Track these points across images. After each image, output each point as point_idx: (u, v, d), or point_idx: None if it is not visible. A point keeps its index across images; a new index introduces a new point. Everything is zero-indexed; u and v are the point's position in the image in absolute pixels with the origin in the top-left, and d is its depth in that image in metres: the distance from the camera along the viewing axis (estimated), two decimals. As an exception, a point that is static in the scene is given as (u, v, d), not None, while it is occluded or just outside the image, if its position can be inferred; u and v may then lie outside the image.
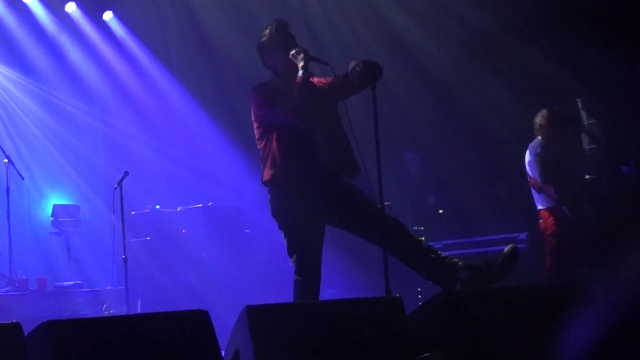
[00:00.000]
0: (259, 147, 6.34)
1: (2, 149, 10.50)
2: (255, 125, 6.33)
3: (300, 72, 6.08)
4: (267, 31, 6.41)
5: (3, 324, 3.60)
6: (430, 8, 11.90)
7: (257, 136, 6.33)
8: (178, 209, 12.32)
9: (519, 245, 10.15)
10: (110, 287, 11.29)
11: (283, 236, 6.18)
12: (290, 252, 6.08)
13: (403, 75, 12.14)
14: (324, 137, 6.22)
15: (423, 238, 10.57)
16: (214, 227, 11.88)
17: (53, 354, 3.56)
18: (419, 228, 11.67)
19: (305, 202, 6.08)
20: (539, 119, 9.01)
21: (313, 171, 6.16)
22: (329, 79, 6.34)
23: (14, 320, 3.63)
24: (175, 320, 4.25)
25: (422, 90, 12.23)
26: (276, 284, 10.90)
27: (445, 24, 11.86)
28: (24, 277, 11.02)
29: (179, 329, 4.19)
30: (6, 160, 10.73)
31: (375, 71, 5.94)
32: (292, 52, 6.20)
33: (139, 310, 10.67)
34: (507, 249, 5.70)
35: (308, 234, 6.07)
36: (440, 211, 12.03)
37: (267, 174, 6.19)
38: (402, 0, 12.18)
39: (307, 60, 6.15)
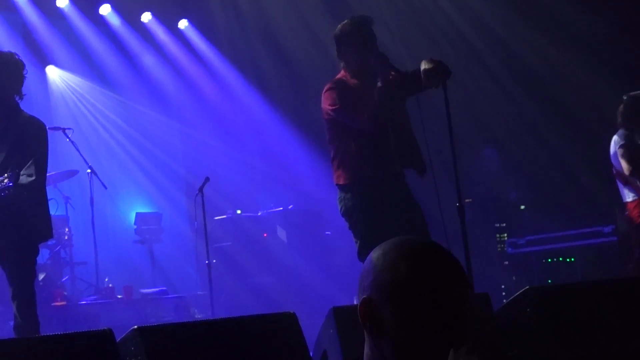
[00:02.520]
0: (330, 146, 6.32)
1: (85, 159, 10.67)
2: (327, 125, 6.28)
3: (381, 83, 6.02)
4: (349, 24, 6.31)
5: (95, 331, 3.65)
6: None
7: (329, 137, 6.29)
8: (259, 214, 12.41)
9: (606, 239, 10.01)
10: (201, 292, 11.39)
11: (354, 236, 6.17)
12: (364, 253, 6.05)
13: (482, 67, 12.01)
14: (395, 136, 6.18)
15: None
16: (295, 230, 11.93)
17: (145, 359, 3.60)
18: (501, 225, 11.53)
19: (380, 204, 6.05)
20: (621, 108, 8.80)
21: (388, 173, 6.14)
22: (399, 75, 6.26)
23: (104, 328, 3.68)
24: (263, 323, 4.26)
25: (505, 83, 12.04)
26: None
27: (530, 11, 11.64)
28: (110, 285, 11.20)
29: (267, 332, 4.20)
30: (89, 171, 10.90)
31: (444, 71, 5.88)
32: (372, 59, 6.13)
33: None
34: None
35: (382, 235, 6.01)
36: (522, 207, 11.86)
37: (342, 177, 6.17)
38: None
39: (387, 69, 6.10)
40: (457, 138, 5.86)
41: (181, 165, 14.47)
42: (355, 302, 2.69)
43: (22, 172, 5.82)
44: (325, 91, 6.23)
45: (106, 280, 11.42)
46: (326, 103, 6.20)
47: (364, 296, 2.23)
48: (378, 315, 2.19)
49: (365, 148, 6.11)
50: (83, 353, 3.57)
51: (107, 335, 3.63)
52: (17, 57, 6.43)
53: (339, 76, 6.35)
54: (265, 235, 12.10)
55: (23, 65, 6.43)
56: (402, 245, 2.23)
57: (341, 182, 6.18)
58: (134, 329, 3.71)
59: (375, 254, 2.26)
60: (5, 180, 5.69)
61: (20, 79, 6.39)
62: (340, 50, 6.34)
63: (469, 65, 11.83)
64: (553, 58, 11.50)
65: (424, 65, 5.92)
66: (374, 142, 6.12)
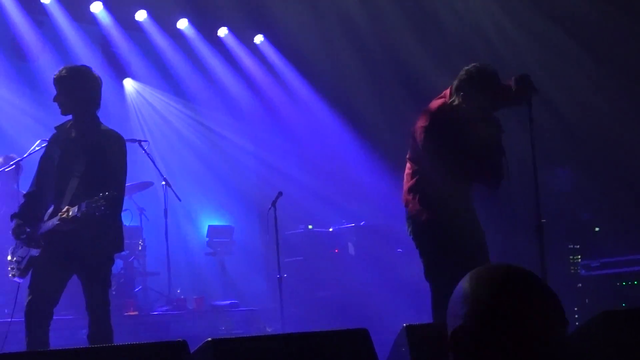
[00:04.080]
0: (409, 162, 6.31)
1: (159, 171, 10.82)
2: (416, 144, 6.27)
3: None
4: (473, 74, 6.14)
5: (170, 341, 3.69)
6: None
7: (412, 155, 6.29)
8: (330, 229, 12.43)
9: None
10: (271, 306, 11.42)
11: (421, 256, 6.25)
12: (431, 274, 6.12)
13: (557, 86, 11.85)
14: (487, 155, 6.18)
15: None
16: (366, 246, 11.92)
17: None
18: (575, 246, 11.37)
19: (450, 226, 6.09)
20: None
21: (466, 210, 6.20)
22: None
23: (178, 339, 3.72)
24: (335, 338, 4.25)
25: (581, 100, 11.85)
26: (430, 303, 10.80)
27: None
28: (182, 297, 11.31)
29: (339, 348, 4.19)
30: (164, 183, 11.03)
31: (532, 88, 5.86)
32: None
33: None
34: None
35: (452, 258, 6.01)
36: (597, 228, 11.67)
37: (419, 210, 6.18)
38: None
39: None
40: (532, 156, 5.82)
41: (254, 179, 14.56)
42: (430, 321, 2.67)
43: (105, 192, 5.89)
44: (426, 120, 6.14)
45: (178, 291, 11.54)
46: (424, 133, 6.12)
47: (458, 324, 2.19)
48: (472, 345, 2.16)
49: (444, 191, 6.13)
50: None
51: (181, 346, 3.66)
52: (92, 71, 6.53)
53: (442, 102, 6.27)
54: (336, 250, 12.12)
55: (99, 79, 6.54)
56: (500, 274, 2.19)
57: (416, 216, 6.22)
58: (208, 341, 3.73)
59: (469, 282, 2.22)
60: (102, 202, 5.78)
61: (98, 93, 6.49)
62: (459, 90, 6.15)
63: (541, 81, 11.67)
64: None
65: (514, 83, 5.90)
66: (455, 186, 6.16)
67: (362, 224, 12.25)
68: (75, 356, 3.51)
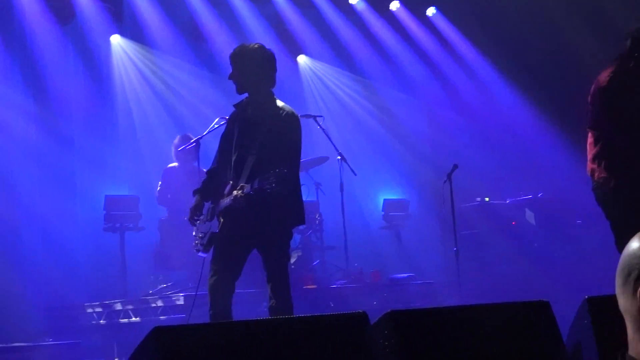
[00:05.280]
0: (591, 131, 6.16)
1: (335, 146, 10.89)
2: (595, 111, 6.11)
3: None
4: None
5: (351, 313, 3.71)
6: None
7: (592, 123, 6.14)
8: (507, 201, 12.25)
9: None
10: (447, 279, 11.38)
11: (611, 225, 6.09)
12: (622, 243, 5.90)
13: None
14: None
15: None
16: (544, 218, 11.69)
17: (399, 342, 3.63)
18: None
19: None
20: None
21: None
22: None
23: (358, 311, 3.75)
24: (515, 310, 4.20)
25: None
26: (613, 275, 10.50)
27: None
28: (359, 270, 11.39)
29: (519, 320, 4.13)
30: (339, 157, 11.11)
31: None
32: None
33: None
34: None
35: None
36: None
37: (606, 178, 6.02)
38: None
39: None
40: None
41: (428, 152, 14.51)
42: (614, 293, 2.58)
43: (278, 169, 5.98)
44: (603, 86, 6.05)
45: (355, 265, 11.64)
46: (600, 99, 6.03)
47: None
48: None
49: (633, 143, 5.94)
50: (338, 334, 3.65)
51: (362, 318, 3.68)
52: (265, 48, 6.61)
53: (616, 65, 6.13)
54: (513, 223, 11.94)
55: (273, 56, 6.62)
56: None
57: (602, 184, 6.06)
58: (388, 313, 3.75)
59: None
60: (273, 179, 5.88)
61: (272, 70, 6.56)
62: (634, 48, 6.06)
63: None
64: None
65: None
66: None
67: (539, 195, 12.02)
68: (258, 327, 3.57)
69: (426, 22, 14.30)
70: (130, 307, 10.07)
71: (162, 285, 10.82)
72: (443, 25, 14.24)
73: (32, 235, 11.23)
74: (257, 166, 6.25)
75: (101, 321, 10.19)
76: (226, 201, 6.34)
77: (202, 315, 6.87)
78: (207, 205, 6.64)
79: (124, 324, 9.95)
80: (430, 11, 14.24)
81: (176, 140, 11.01)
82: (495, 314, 4.14)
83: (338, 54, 14.24)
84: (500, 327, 4.04)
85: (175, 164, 11.09)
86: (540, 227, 11.79)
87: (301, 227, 10.41)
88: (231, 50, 6.62)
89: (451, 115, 14.36)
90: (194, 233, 6.73)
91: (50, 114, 11.82)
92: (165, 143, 12.06)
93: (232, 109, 6.76)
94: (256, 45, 6.58)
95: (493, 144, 13.75)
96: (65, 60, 12.20)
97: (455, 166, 9.76)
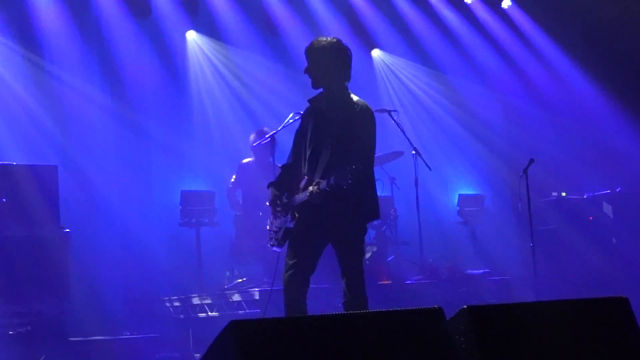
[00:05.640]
0: None
1: (409, 141, 10.85)
2: None
3: None
4: None
5: (427, 308, 3.73)
6: None
7: None
8: (584, 196, 12.09)
9: None
10: (523, 275, 11.28)
11: None
12: None
13: None
14: None
15: None
16: (622, 213, 11.51)
17: (475, 337, 3.64)
18: None
19: None
20: None
21: None
22: None
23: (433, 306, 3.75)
24: (593, 307, 4.17)
25: None
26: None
27: None
28: (434, 265, 11.35)
29: (597, 316, 4.12)
30: (414, 152, 11.07)
31: None
32: None
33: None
34: None
35: None
36: None
37: None
38: None
39: None
40: None
41: (504, 147, 14.37)
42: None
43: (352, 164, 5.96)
44: None
45: (430, 260, 11.59)
46: None
47: None
48: None
49: None
50: (414, 329, 3.66)
51: (437, 313, 3.70)
52: (341, 43, 6.57)
53: None
54: (590, 218, 11.78)
55: (349, 51, 6.60)
56: None
57: None
58: (465, 308, 3.77)
59: None
60: (349, 175, 5.87)
61: (347, 64, 6.53)
62: None
63: None
64: None
65: None
66: None
67: (618, 190, 11.82)
68: (333, 322, 3.61)
69: (501, 13, 14.15)
70: (207, 301, 10.21)
71: (237, 280, 10.92)
72: (519, 16, 14.09)
73: (110, 230, 11.46)
74: (332, 161, 6.24)
75: (180, 315, 10.35)
76: (301, 196, 6.35)
77: (277, 310, 6.92)
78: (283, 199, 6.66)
79: (202, 318, 10.08)
80: (506, 3, 14.10)
81: (252, 136, 11.08)
82: (573, 310, 4.11)
83: (412, 47, 14.20)
84: (577, 324, 4.02)
85: (250, 159, 11.17)
86: (618, 222, 11.61)
87: (376, 223, 10.41)
88: (306, 45, 6.62)
89: (527, 109, 14.21)
90: (267, 227, 6.77)
91: (127, 108, 12.06)
92: (239, 138, 12.18)
93: (307, 104, 6.76)
94: (332, 40, 6.55)
95: (570, 138, 13.58)
96: (141, 55, 12.43)
97: (532, 160, 9.64)
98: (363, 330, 3.61)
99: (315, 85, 6.56)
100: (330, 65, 6.46)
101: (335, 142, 6.32)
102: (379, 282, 10.30)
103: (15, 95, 11.43)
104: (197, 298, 10.36)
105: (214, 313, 10.00)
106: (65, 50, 11.78)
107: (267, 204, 6.68)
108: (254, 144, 10.81)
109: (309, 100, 6.71)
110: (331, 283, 8.60)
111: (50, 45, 11.72)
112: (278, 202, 6.57)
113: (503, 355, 3.78)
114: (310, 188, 6.20)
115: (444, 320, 3.71)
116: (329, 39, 6.58)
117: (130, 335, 9.36)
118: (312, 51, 6.49)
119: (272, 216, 6.72)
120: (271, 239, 6.67)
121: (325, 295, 8.93)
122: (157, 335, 9.42)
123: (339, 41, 6.56)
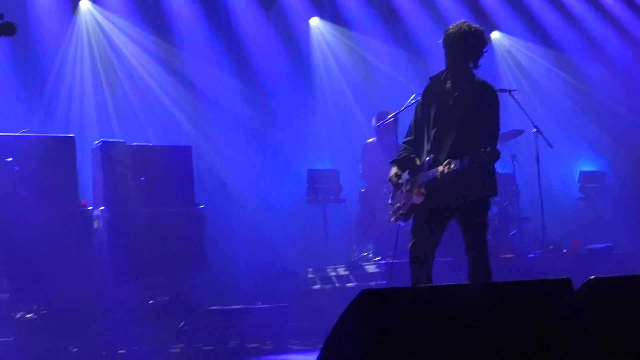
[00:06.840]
0: None
1: (530, 119, 10.92)
2: None
3: None
4: None
5: (555, 279, 3.80)
6: None
7: None
8: None
9: None
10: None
11: None
12: None
13: None
14: None
15: None
16: None
17: (602, 309, 3.71)
18: None
19: None
20: None
21: None
22: None
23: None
24: None
25: None
26: None
27: None
28: (557, 240, 11.44)
29: None
30: (535, 130, 11.16)
31: None
32: None
33: None
34: None
35: None
36: None
37: None
38: None
39: None
40: None
41: (626, 124, 14.17)
42: None
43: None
44: None
45: (552, 236, 11.67)
46: None
47: None
48: None
49: None
50: (539, 300, 3.73)
51: (565, 284, 3.77)
52: (469, 25, 6.62)
53: None
54: None
55: (479, 34, 6.64)
56: None
57: None
58: (591, 280, 3.78)
59: None
60: (486, 158, 5.96)
61: (476, 47, 6.61)
62: None
63: None
64: None
65: None
66: None
67: None
68: (460, 292, 3.69)
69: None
70: (334, 273, 10.60)
71: (363, 254, 11.24)
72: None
73: (242, 208, 11.92)
74: (458, 141, 6.37)
75: (313, 286, 10.78)
76: (430, 174, 6.45)
77: (401, 283, 7.19)
78: (404, 175, 6.80)
79: (329, 289, 10.49)
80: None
81: (374, 119, 11.32)
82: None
83: (531, 28, 14.17)
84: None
85: (373, 139, 11.43)
86: None
87: (497, 199, 10.54)
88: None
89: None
90: (389, 202, 6.92)
91: (255, 92, 12.53)
92: (362, 120, 12.51)
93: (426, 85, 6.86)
94: (462, 24, 6.62)
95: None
96: (267, 41, 12.85)
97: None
98: (490, 300, 3.65)
99: (448, 67, 6.65)
100: (460, 47, 6.53)
101: (461, 122, 6.42)
102: (502, 256, 10.40)
103: (150, 82, 12.05)
104: (329, 269, 10.79)
105: (349, 284, 10.37)
106: (197, 39, 12.35)
107: (388, 179, 6.82)
108: (377, 125, 11.06)
109: (431, 78, 6.80)
110: (455, 256, 8.79)
111: (182, 34, 12.34)
112: (400, 179, 6.74)
113: (630, 327, 3.75)
114: (440, 168, 6.29)
115: (571, 291, 3.75)
116: (467, 24, 6.64)
117: (262, 305, 9.67)
118: (445, 37, 6.63)
119: (393, 191, 6.88)
120: (394, 213, 6.79)
121: (450, 268, 9.09)
122: (287, 304, 9.74)
123: (467, 24, 6.64)
